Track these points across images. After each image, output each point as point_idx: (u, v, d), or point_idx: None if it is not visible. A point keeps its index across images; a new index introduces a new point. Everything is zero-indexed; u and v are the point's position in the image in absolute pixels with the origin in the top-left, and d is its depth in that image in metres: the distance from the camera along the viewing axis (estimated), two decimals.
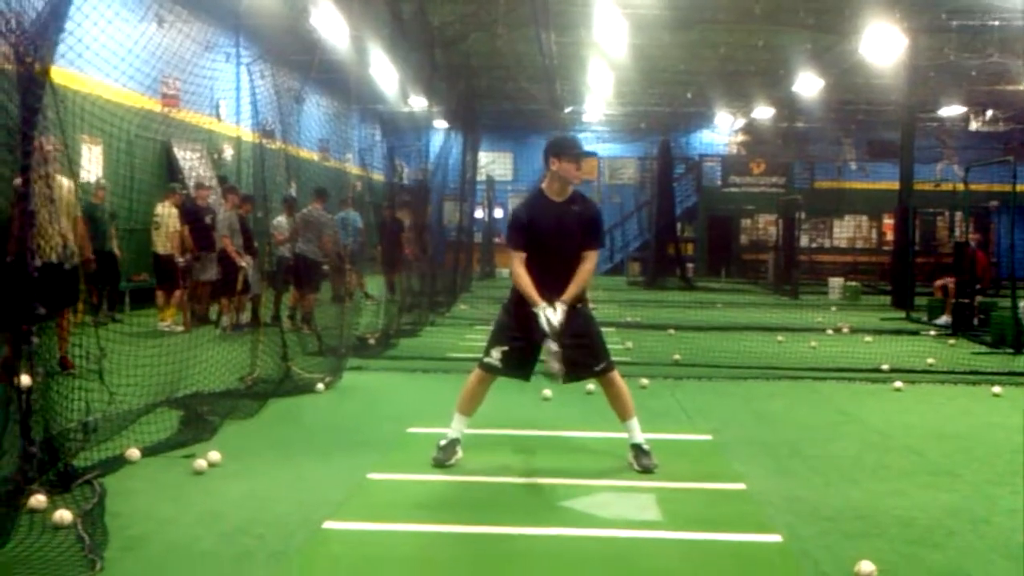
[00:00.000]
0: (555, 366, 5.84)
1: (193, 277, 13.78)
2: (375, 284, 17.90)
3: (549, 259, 6.01)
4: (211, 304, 14.40)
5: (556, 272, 5.98)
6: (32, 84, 5.18)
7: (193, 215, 13.81)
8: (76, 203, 9.02)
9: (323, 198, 13.92)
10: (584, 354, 6.04)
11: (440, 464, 6.05)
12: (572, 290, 5.97)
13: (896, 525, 5.02)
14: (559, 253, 6.03)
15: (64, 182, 8.85)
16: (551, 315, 5.82)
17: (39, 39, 5.24)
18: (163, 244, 13.68)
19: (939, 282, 17.55)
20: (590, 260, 6.10)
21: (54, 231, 8.53)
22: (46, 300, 7.54)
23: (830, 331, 14.64)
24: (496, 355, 6.04)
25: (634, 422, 6.15)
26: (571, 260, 6.05)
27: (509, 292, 6.28)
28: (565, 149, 6.08)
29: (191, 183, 16.42)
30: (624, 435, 6.20)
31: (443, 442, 6.14)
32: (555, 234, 6.03)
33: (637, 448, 6.08)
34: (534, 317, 5.87)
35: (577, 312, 6.02)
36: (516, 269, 6.03)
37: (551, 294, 5.92)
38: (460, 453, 6.15)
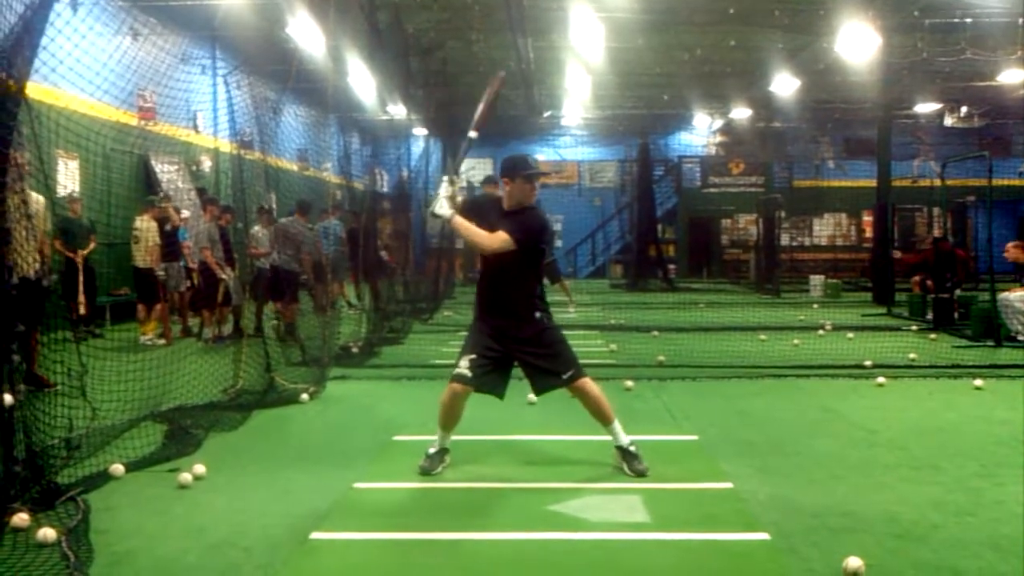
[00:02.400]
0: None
1: (170, 289, 13.74)
2: (355, 293, 17.85)
3: (496, 275, 6.05)
4: (191, 316, 14.35)
5: (505, 288, 6.03)
6: (6, 100, 5.15)
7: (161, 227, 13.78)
8: (46, 218, 9.02)
9: (305, 211, 13.88)
10: (551, 364, 6.05)
11: (426, 472, 6.04)
12: (465, 227, 5.90)
13: (882, 520, 5.05)
14: (507, 264, 5.98)
15: (38, 198, 8.87)
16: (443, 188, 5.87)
17: (12, 55, 5.21)
18: (143, 258, 13.62)
19: (916, 277, 17.69)
20: (499, 235, 5.90)
21: (31, 247, 8.57)
22: (23, 317, 7.56)
23: (821, 332, 14.65)
24: (465, 364, 5.98)
25: (616, 425, 6.15)
26: (513, 274, 6.03)
27: (473, 309, 6.29)
28: (518, 169, 6.04)
29: (161, 195, 16.36)
30: (609, 438, 6.20)
31: (432, 450, 6.14)
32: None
33: (623, 451, 6.09)
34: (496, 332, 5.95)
35: (534, 324, 6.03)
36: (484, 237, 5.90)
37: (501, 312, 6.02)
38: (448, 461, 6.16)
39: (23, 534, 4.74)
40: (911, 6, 19.74)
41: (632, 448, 6.09)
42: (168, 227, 13.91)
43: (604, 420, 6.16)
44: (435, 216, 5.82)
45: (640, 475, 5.95)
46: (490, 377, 6.04)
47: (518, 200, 6.07)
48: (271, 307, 13.42)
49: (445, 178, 5.91)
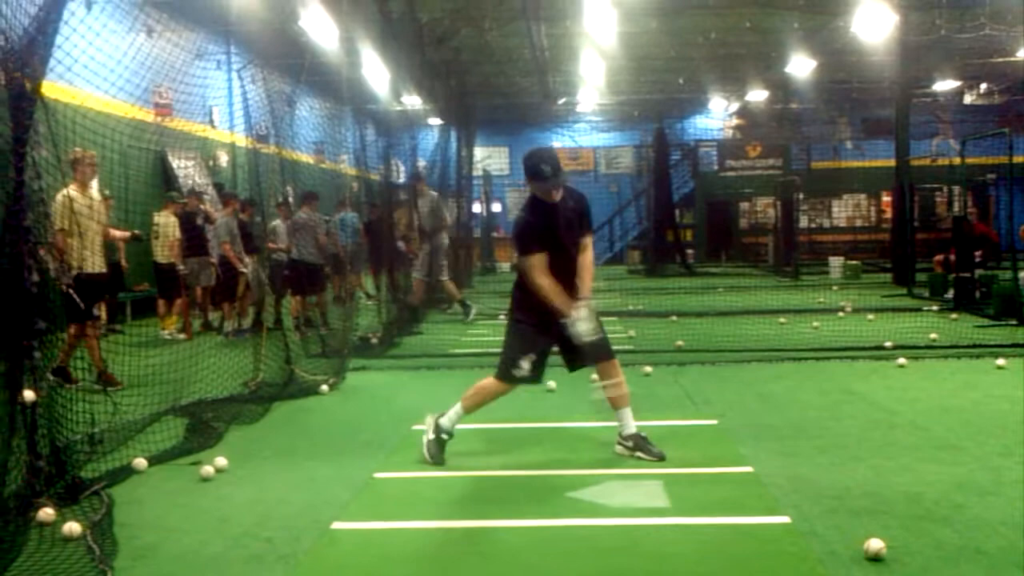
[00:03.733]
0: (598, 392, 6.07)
1: (191, 284, 13.84)
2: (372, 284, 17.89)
3: (562, 259, 6.00)
4: (212, 310, 14.45)
5: (568, 270, 6.03)
6: (22, 99, 5.19)
7: (185, 222, 13.86)
8: (106, 215, 9.48)
9: (311, 201, 13.92)
10: (600, 343, 6.09)
11: (437, 462, 6.06)
12: (588, 283, 6.01)
13: (903, 501, 5.03)
14: (569, 251, 6.03)
15: (97, 195, 9.12)
16: (583, 318, 5.84)
17: (27, 54, 5.25)
18: (163, 253, 13.71)
19: (938, 257, 17.55)
20: (590, 248, 6.13)
21: (96, 244, 8.83)
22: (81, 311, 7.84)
23: (841, 314, 14.59)
24: (526, 365, 6.00)
25: (627, 411, 6.16)
26: (576, 255, 6.08)
27: (514, 300, 6.20)
28: (536, 176, 5.96)
29: (186, 191, 16.45)
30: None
31: (445, 436, 6.13)
32: (565, 232, 6.01)
33: (635, 438, 6.10)
34: (561, 323, 5.89)
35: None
36: (539, 279, 5.87)
37: (567, 291, 5.97)
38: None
39: (49, 528, 4.80)
40: None
41: (642, 434, 6.13)
42: (200, 221, 14.02)
43: (621, 404, 6.16)
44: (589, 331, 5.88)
45: (660, 459, 5.97)
46: (541, 369, 6.13)
47: (543, 195, 6.03)
48: (291, 303, 13.46)
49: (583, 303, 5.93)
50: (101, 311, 11.13)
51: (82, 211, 8.69)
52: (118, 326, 13.83)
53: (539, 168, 5.93)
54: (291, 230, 13.46)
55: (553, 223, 5.96)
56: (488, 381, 6.19)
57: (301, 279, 13.20)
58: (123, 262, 13.82)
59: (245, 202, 14.00)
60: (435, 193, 16.25)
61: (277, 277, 13.45)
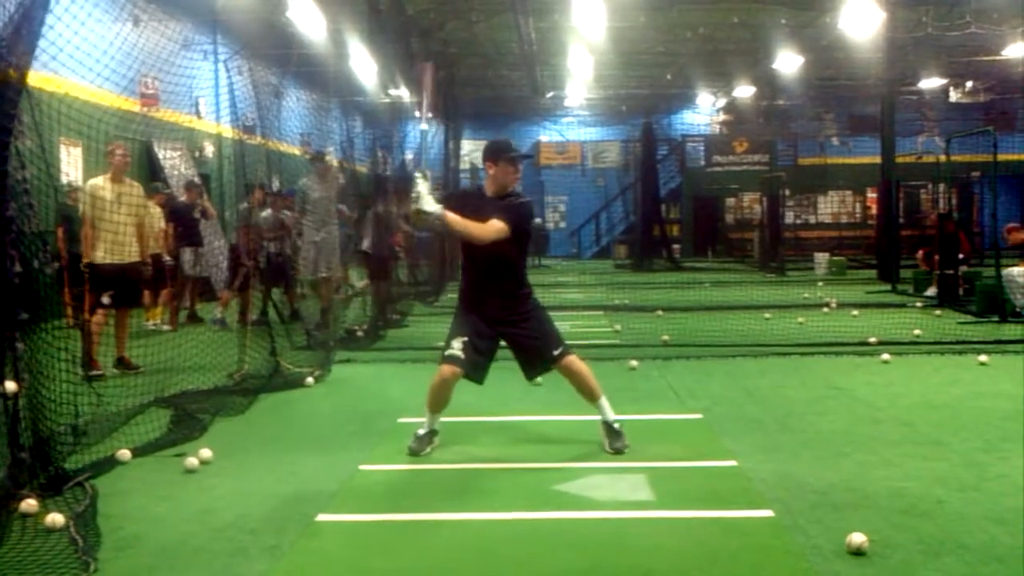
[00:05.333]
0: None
1: (182, 275, 13.76)
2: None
3: (485, 262, 6.01)
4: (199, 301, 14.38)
5: (495, 273, 6.03)
6: (7, 89, 5.15)
7: (178, 213, 13.80)
8: (143, 206, 9.82)
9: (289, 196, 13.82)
10: (542, 343, 6.09)
11: (415, 453, 6.06)
12: (459, 222, 5.75)
13: (886, 496, 5.06)
14: (499, 249, 5.92)
15: (137, 186, 9.28)
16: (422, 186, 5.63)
17: (12, 43, 5.21)
18: (148, 243, 13.61)
19: (919, 255, 17.68)
20: (493, 224, 5.81)
21: (102, 234, 8.90)
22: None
23: (826, 309, 14.66)
24: (457, 345, 5.98)
25: (604, 401, 6.16)
26: (504, 260, 6.02)
27: (459, 297, 6.28)
28: (501, 152, 6.01)
29: (173, 182, 16.37)
30: (614, 416, 6.23)
31: (421, 431, 6.14)
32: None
33: (608, 427, 6.11)
34: (479, 314, 5.98)
35: (524, 305, 6.10)
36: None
37: (491, 297, 6.03)
38: (436, 443, 6.19)
39: (32, 520, 4.77)
40: None
41: (616, 426, 6.12)
42: (197, 214, 13.96)
43: (592, 396, 6.18)
44: (424, 213, 5.60)
45: (618, 453, 5.99)
46: (479, 361, 6.05)
47: (501, 184, 6.05)
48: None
49: (418, 174, 5.67)
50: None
51: (102, 201, 8.96)
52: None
53: (507, 143, 6.09)
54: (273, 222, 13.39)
55: (480, 217, 5.86)
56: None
57: (282, 272, 13.14)
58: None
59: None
60: (340, 176, 13.52)
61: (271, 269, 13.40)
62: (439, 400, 6.11)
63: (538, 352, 6.11)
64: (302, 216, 12.38)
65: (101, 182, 9.21)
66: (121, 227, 9.04)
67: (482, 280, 6.10)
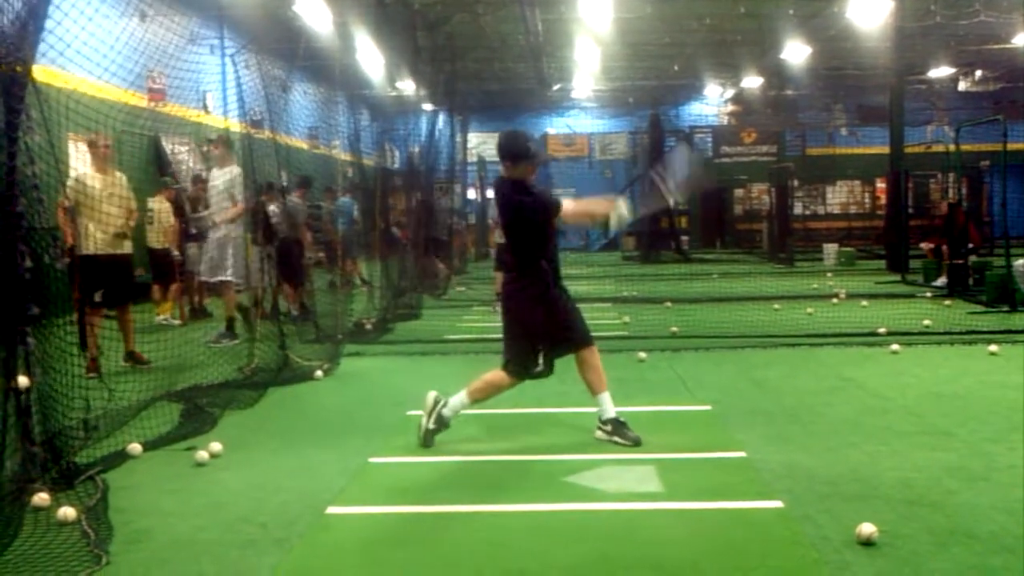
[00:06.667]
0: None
1: (188, 269, 13.78)
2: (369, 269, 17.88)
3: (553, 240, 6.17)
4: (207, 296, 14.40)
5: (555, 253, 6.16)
6: (14, 84, 5.17)
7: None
8: (130, 196, 9.65)
9: (303, 188, 13.82)
10: (574, 331, 6.15)
11: (439, 430, 6.12)
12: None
13: (895, 486, 5.06)
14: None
15: (121, 177, 9.23)
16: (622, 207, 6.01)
17: (19, 39, 5.22)
18: (157, 238, 13.67)
19: (924, 245, 17.63)
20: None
21: (88, 225, 8.88)
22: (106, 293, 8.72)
23: (835, 300, 14.63)
24: (541, 360, 6.06)
25: (605, 396, 6.19)
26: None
27: (511, 297, 6.19)
28: (522, 155, 6.03)
29: (183, 176, 16.39)
30: (624, 408, 6.24)
31: (432, 427, 6.15)
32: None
33: (613, 422, 6.13)
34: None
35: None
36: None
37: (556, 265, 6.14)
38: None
39: (44, 513, 4.80)
40: None
41: (622, 419, 6.16)
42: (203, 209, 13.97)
43: (599, 389, 6.19)
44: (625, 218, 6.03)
45: (632, 442, 6.04)
46: (552, 362, 6.18)
47: (524, 177, 6.10)
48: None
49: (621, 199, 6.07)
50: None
51: (92, 189, 8.90)
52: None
53: (526, 146, 6.06)
54: (283, 215, 13.39)
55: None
56: (497, 376, 6.13)
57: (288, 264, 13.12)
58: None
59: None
60: (236, 168, 11.14)
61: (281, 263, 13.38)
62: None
63: (579, 336, 6.23)
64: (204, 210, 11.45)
65: (90, 173, 9.12)
66: (110, 218, 9.02)
67: (552, 254, 6.15)
